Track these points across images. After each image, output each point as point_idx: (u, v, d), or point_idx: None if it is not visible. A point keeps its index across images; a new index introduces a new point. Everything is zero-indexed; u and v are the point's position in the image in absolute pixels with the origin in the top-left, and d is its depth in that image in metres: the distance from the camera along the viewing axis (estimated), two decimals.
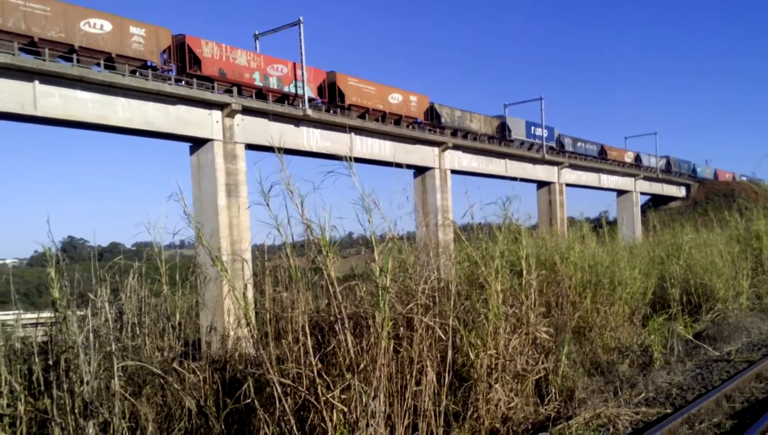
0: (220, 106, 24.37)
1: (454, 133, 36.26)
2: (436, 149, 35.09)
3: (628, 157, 55.21)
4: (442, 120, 35.71)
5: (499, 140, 40.30)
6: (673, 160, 62.38)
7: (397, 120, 32.95)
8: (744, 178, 73.13)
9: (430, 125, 35.50)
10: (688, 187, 64.35)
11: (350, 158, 5.28)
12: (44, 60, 19.53)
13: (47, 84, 19.77)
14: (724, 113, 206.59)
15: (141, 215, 5.88)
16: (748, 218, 16.74)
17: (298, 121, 27.75)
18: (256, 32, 29.57)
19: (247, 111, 25.35)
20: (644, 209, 59.17)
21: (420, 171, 34.99)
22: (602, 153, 51.61)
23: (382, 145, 32.23)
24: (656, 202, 63.20)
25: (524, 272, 6.55)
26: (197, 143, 24.41)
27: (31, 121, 20.78)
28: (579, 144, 48.62)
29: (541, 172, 44.15)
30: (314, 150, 28.72)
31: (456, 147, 36.43)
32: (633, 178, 55.03)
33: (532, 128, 43.22)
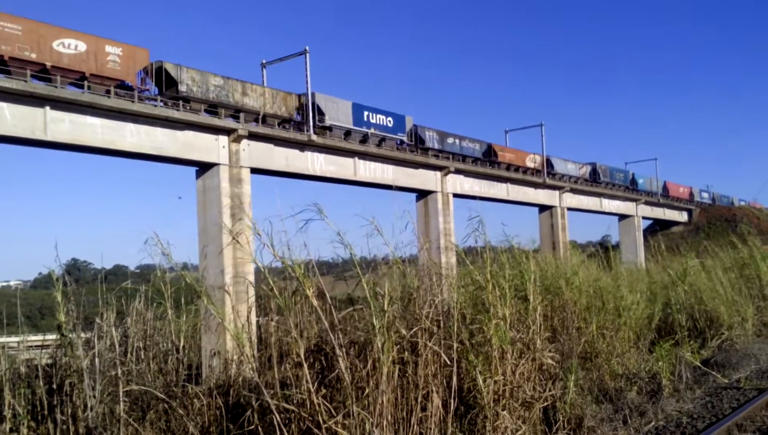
0: (227, 131, 24.74)
1: (213, 112, 24.30)
2: (438, 173, 35.35)
3: (532, 162, 43.46)
4: (182, 88, 23.15)
5: (305, 126, 27.62)
6: (601, 169, 51.04)
7: (79, 80, 20.67)
8: (706, 195, 67.29)
9: (164, 97, 23.02)
10: (689, 211, 64.29)
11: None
12: (56, 86, 19.96)
13: (58, 110, 20.15)
14: (726, 139, 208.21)
15: (145, 238, 5.92)
16: (736, 245, 16.67)
17: (303, 145, 28.07)
18: (264, 61, 30.20)
19: (253, 136, 25.71)
20: (647, 234, 59.03)
21: (422, 195, 35.20)
22: (489, 154, 39.82)
23: (385, 169, 32.49)
24: (659, 226, 63.13)
25: (530, 297, 6.54)
26: (204, 167, 24.68)
27: (41, 146, 21.10)
28: (450, 140, 36.72)
29: (543, 196, 44.31)
30: (319, 174, 28.97)
31: (458, 171, 36.69)
32: (635, 203, 55.14)
33: (367, 114, 31.00)
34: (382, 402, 4.82)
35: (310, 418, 4.72)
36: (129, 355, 6.14)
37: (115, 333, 5.74)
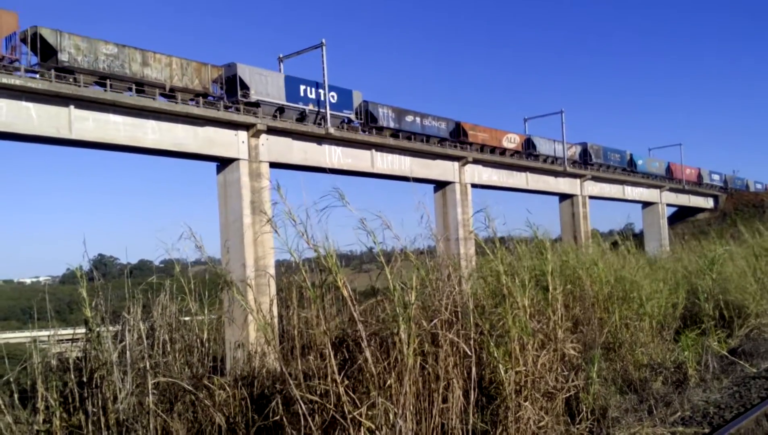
0: (246, 126, 24.96)
1: (104, 85, 21.33)
2: (456, 164, 35.11)
3: (510, 142, 39.49)
4: (63, 57, 20.16)
5: (228, 100, 24.95)
6: (593, 149, 46.47)
7: None
8: (716, 177, 62.75)
9: (42, 68, 20.18)
10: (716, 198, 62.61)
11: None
12: (79, 86, 20.38)
13: (82, 109, 20.60)
14: (756, 122, 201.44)
15: (169, 232, 6.03)
16: (762, 232, 16.15)
17: (320, 139, 28.18)
18: (281, 55, 30.33)
19: (271, 131, 25.89)
20: (671, 221, 57.70)
21: (440, 185, 35.04)
22: (457, 133, 36.20)
23: (402, 161, 32.41)
24: (683, 213, 61.66)
25: (550, 287, 6.48)
26: (224, 162, 25.01)
27: (66, 144, 21.67)
28: (409, 118, 33.03)
29: (564, 184, 43.65)
30: (336, 167, 29.08)
31: (476, 161, 36.38)
32: (659, 190, 53.94)
33: (304, 88, 27.41)
34: (406, 392, 4.85)
35: (334, 409, 4.78)
36: (156, 347, 6.29)
37: (142, 326, 5.88)
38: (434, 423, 5.13)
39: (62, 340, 6.79)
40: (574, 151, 45.51)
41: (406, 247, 5.87)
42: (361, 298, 5.86)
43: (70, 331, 6.79)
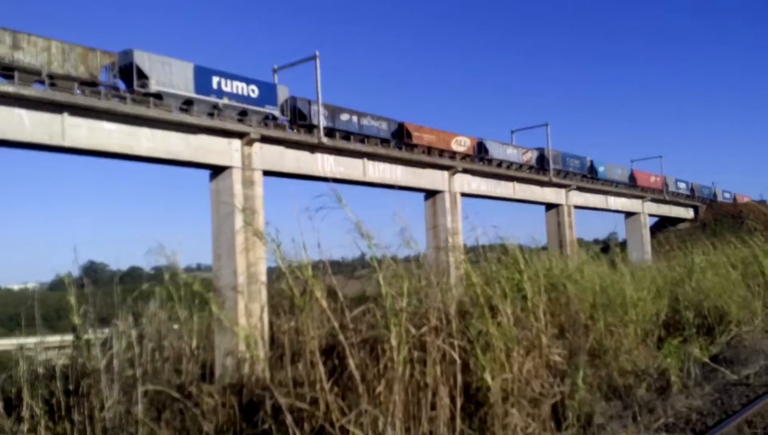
0: (240, 135, 25.00)
1: None
2: (446, 173, 35.43)
3: (460, 145, 37.23)
4: None
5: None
6: (552, 154, 43.94)
7: None
8: (683, 185, 61.18)
9: None
10: (695, 208, 63.75)
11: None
12: (74, 93, 20.31)
13: (76, 116, 20.51)
14: (734, 135, 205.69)
15: (160, 238, 6.04)
16: (742, 241, 16.57)
17: (313, 148, 28.30)
18: (275, 66, 30.44)
19: (265, 139, 25.97)
20: (654, 231, 58.55)
21: (430, 194, 35.30)
22: (401, 135, 33.58)
23: (394, 170, 32.62)
24: (665, 223, 62.66)
25: (528, 295, 6.59)
26: (217, 170, 24.98)
27: (59, 151, 21.48)
28: (345, 117, 30.42)
29: (549, 194, 44.18)
30: (329, 175, 29.16)
31: (465, 171, 36.74)
32: (641, 200, 54.80)
33: (218, 80, 25.14)
34: (395, 400, 4.90)
35: (323, 417, 4.81)
36: (144, 355, 6.27)
37: (133, 333, 5.88)
38: (423, 430, 5.17)
39: (49, 347, 6.73)
40: (531, 156, 43.25)
41: (396, 254, 5.96)
42: (353, 304, 5.91)
43: (57, 338, 6.73)
